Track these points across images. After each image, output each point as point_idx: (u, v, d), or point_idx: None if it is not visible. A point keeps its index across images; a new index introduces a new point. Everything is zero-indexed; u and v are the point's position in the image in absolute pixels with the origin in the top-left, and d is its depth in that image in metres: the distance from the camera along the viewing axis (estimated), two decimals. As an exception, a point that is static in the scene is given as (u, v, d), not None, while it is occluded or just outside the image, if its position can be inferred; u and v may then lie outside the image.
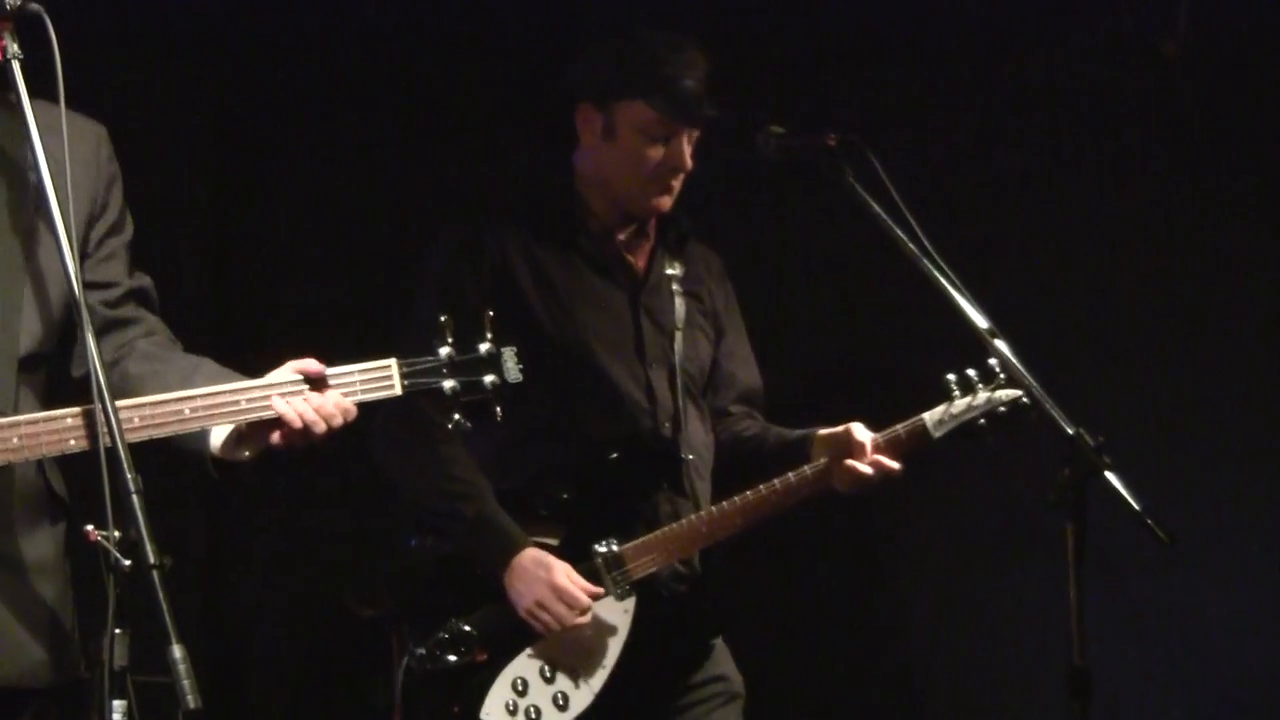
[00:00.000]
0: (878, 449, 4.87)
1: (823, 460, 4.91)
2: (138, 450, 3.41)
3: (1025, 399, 4.66)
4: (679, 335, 5.03)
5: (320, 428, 3.70)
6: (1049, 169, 6.25)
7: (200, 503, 5.74)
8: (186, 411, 3.65)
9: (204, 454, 3.76)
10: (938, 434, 4.86)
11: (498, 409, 3.85)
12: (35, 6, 3.59)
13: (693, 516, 4.87)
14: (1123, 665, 5.82)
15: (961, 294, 4.33)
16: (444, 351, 3.82)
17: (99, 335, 3.72)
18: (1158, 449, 5.82)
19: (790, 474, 4.88)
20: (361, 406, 3.78)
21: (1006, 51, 6.25)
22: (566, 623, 4.73)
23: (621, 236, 5.03)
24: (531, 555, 4.77)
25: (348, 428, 3.75)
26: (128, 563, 3.28)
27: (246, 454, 3.78)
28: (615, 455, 4.88)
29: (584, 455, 4.88)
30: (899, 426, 4.89)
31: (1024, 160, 6.27)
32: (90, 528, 3.33)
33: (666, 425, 4.97)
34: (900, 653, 6.37)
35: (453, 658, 4.75)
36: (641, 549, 4.82)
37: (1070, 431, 4.12)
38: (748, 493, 4.86)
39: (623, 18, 6.15)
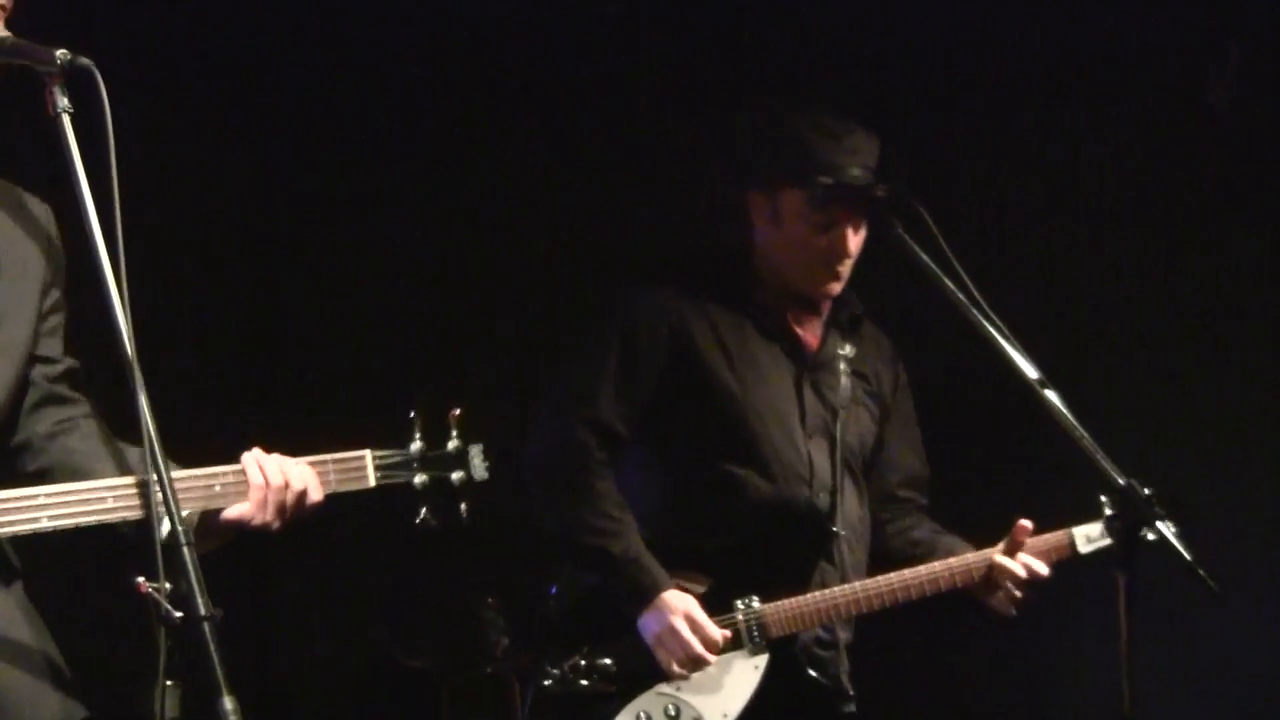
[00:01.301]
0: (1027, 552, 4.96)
1: (976, 559, 4.99)
2: (90, 535, 3.46)
3: (1175, 529, 4.42)
4: (843, 412, 5.11)
5: (283, 493, 3.68)
6: (1098, 218, 6.24)
7: (248, 554, 5.74)
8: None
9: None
10: (1085, 550, 4.99)
11: (463, 506, 3.87)
12: (85, 61, 3.60)
13: (837, 588, 4.94)
14: (1172, 716, 5.77)
15: (1011, 344, 4.34)
16: (415, 447, 3.84)
17: (37, 408, 3.79)
18: (1205, 495, 5.78)
19: (938, 564, 4.97)
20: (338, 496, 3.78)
21: (1055, 100, 6.25)
22: (692, 653, 4.81)
23: (793, 311, 5.12)
24: (673, 593, 4.85)
25: (312, 514, 3.74)
26: (178, 615, 3.28)
27: (207, 546, 3.69)
28: (771, 520, 4.95)
29: (740, 515, 4.95)
30: (1048, 536, 4.99)
31: (1073, 208, 6.26)
32: (141, 580, 3.33)
33: (823, 496, 5.04)
34: (951, 705, 6.33)
35: (584, 683, 4.85)
36: (782, 610, 4.89)
37: (1122, 483, 4.11)
38: (892, 575, 4.93)
39: (684, 69, 6.20)
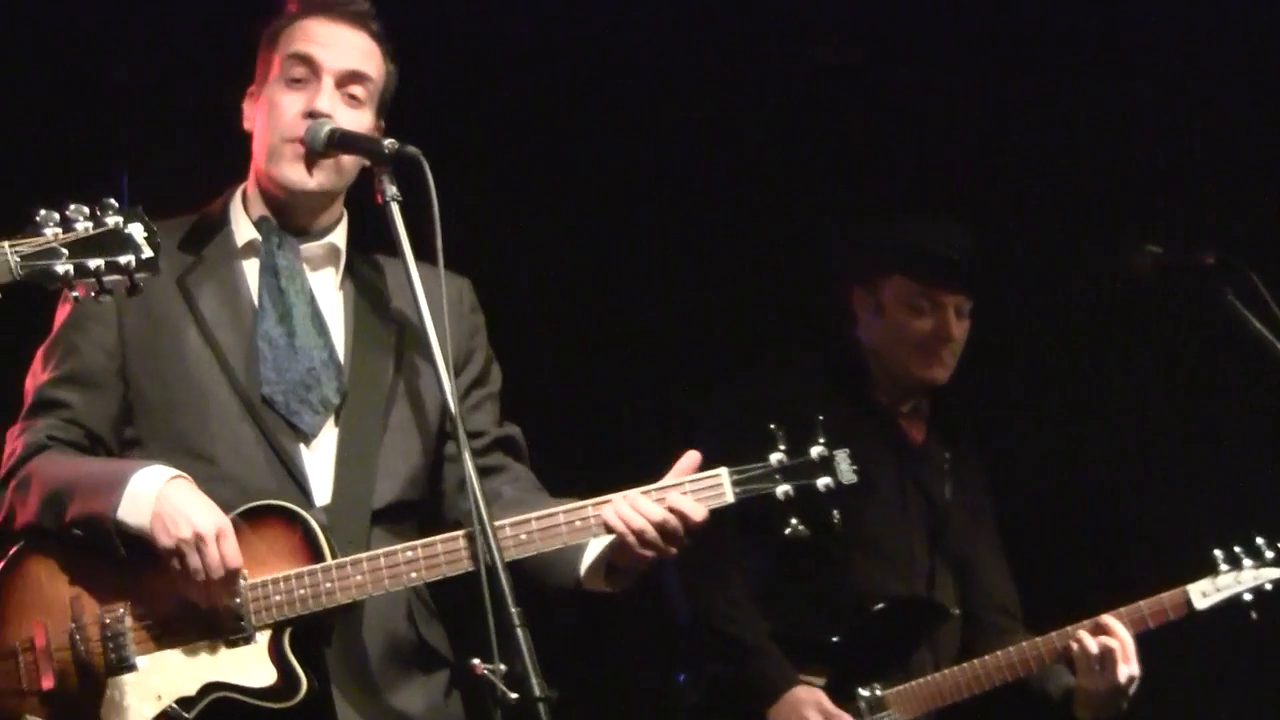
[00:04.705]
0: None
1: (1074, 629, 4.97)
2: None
3: None
4: (945, 509, 5.20)
5: (649, 533, 3.70)
6: None
7: (580, 634, 5.79)
8: (523, 536, 3.70)
9: (571, 585, 3.80)
10: (1201, 605, 4.96)
11: (834, 513, 3.81)
12: (413, 150, 3.70)
13: (953, 669, 5.01)
14: None
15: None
16: (775, 457, 3.80)
17: (461, 488, 3.81)
18: None
19: (1040, 639, 4.99)
20: None
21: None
22: None
23: (904, 409, 5.22)
24: (803, 689, 4.91)
25: (697, 530, 3.75)
26: (514, 696, 3.33)
27: (614, 587, 3.83)
28: (882, 606, 5.02)
29: (852, 603, 5.03)
30: (1163, 596, 4.97)
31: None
32: (476, 661, 3.39)
33: (921, 583, 5.14)
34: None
35: None
36: (902, 696, 4.97)
37: None
38: (999, 653, 4.98)
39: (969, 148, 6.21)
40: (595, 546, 3.78)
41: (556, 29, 5.93)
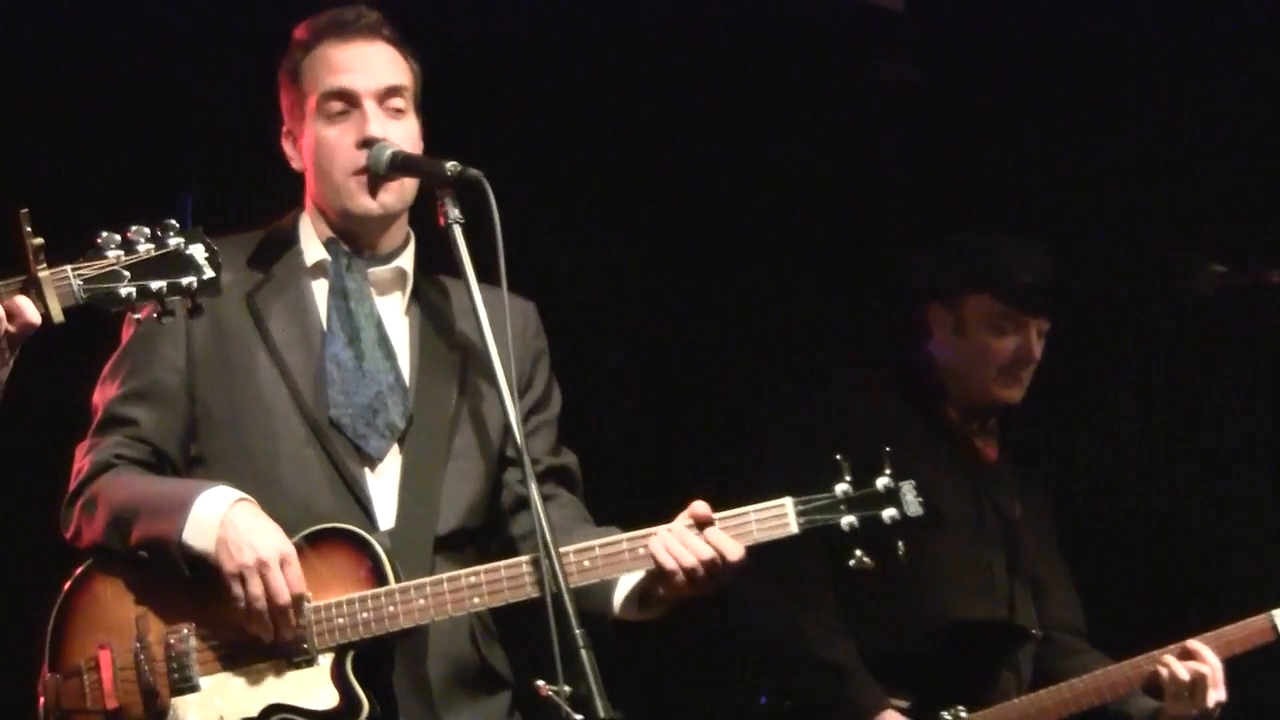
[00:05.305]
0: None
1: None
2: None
3: None
4: (1018, 529, 5.15)
5: (698, 571, 3.68)
6: None
7: (641, 655, 5.79)
8: (585, 563, 3.68)
9: (605, 615, 3.79)
10: None
11: (900, 545, 3.79)
12: (475, 172, 3.70)
13: (1040, 693, 4.93)
14: None
15: None
16: (840, 488, 3.77)
17: (513, 512, 3.90)
18: None
19: (1138, 662, 4.92)
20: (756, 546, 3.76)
21: None
22: None
23: (974, 426, 5.17)
24: (892, 713, 4.85)
25: (740, 568, 3.72)
26: (579, 718, 3.33)
27: (651, 614, 3.81)
28: (966, 628, 4.97)
29: (932, 625, 4.97)
30: (1248, 622, 4.93)
31: None
32: (541, 683, 3.39)
33: (1002, 604, 5.08)
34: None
35: None
36: (989, 718, 4.89)
37: None
38: (1086, 676, 4.91)
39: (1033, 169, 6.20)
40: (630, 577, 3.77)
41: (618, 51, 5.94)
